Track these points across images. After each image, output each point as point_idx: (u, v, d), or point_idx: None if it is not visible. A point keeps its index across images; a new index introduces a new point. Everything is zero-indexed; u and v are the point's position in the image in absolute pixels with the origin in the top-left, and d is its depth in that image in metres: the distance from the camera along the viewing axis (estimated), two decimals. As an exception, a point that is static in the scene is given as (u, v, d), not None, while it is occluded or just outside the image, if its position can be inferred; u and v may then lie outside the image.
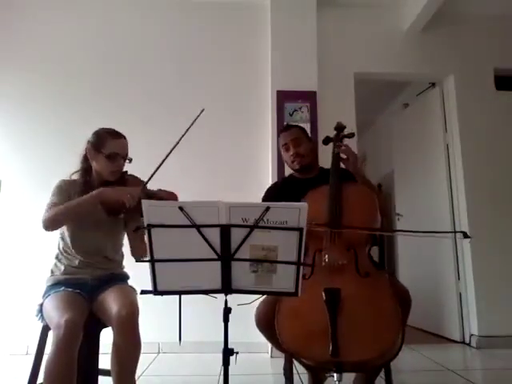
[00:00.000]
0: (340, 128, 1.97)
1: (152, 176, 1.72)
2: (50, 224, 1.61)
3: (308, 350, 1.40)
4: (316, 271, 1.57)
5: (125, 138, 1.79)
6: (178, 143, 1.72)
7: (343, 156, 1.86)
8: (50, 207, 1.66)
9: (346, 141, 1.94)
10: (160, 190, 1.79)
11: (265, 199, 2.07)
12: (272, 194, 2.07)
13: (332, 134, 1.98)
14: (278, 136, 2.12)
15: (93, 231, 1.73)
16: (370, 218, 1.69)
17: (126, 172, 1.84)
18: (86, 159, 1.79)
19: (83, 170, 1.79)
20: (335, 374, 1.33)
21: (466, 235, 1.46)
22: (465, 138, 3.30)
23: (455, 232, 1.48)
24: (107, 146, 1.72)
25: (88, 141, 1.78)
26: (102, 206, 1.70)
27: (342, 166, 1.88)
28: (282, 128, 2.15)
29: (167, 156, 1.72)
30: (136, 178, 1.85)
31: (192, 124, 1.72)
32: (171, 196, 1.78)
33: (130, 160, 1.79)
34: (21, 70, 3.23)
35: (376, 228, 1.67)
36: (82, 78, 3.24)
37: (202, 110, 1.72)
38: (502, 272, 3.10)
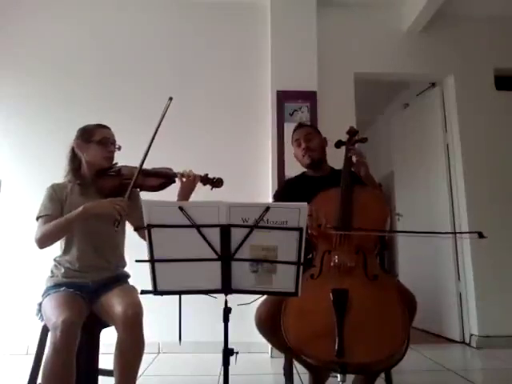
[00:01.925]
0: (353, 132, 2.01)
1: (143, 163, 1.73)
2: (42, 244, 1.65)
3: (313, 350, 1.40)
4: (324, 272, 1.58)
5: (109, 128, 1.86)
6: (158, 128, 1.77)
7: (354, 160, 1.89)
8: (41, 224, 1.67)
9: (358, 145, 1.98)
10: (154, 168, 1.82)
11: (277, 195, 2.16)
12: (285, 191, 2.14)
13: (334, 134, 2.03)
14: (292, 134, 2.21)
15: (93, 223, 1.71)
16: (380, 222, 1.70)
17: (117, 164, 1.86)
18: (73, 158, 1.83)
19: (73, 170, 1.82)
20: (339, 375, 1.33)
21: (481, 235, 1.44)
22: (465, 137, 3.30)
23: (471, 232, 1.49)
24: (96, 133, 1.80)
25: (74, 139, 1.83)
26: (101, 193, 1.73)
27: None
28: (296, 126, 2.26)
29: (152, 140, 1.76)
30: (127, 166, 1.85)
31: (164, 115, 1.79)
32: (167, 171, 1.83)
33: (119, 148, 1.85)
34: (21, 71, 3.23)
35: (391, 230, 1.68)
36: (81, 78, 3.23)
37: (170, 99, 1.79)
38: (502, 272, 3.09)
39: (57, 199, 1.74)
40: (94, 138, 1.78)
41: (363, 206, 1.71)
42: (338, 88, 3.26)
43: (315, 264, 1.61)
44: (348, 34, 3.38)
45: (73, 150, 1.83)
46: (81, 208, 1.61)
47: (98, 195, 1.75)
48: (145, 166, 1.77)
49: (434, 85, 3.71)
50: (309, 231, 1.63)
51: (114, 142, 1.84)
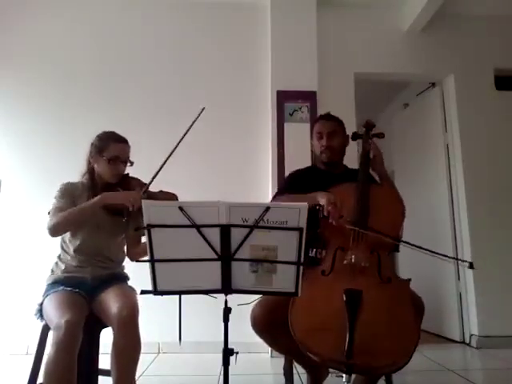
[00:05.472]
0: (370, 125, 1.92)
1: (153, 179, 1.74)
2: (55, 231, 1.65)
3: (320, 347, 1.35)
4: (336, 269, 1.52)
5: (127, 142, 1.83)
6: (178, 144, 1.74)
7: (371, 155, 1.82)
8: (54, 213, 1.68)
9: (375, 140, 1.90)
10: (161, 191, 1.80)
11: (286, 185, 1.96)
12: (292, 184, 1.93)
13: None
14: (315, 122, 2.03)
15: (94, 232, 1.74)
16: (396, 223, 1.66)
17: (128, 174, 1.87)
18: (89, 161, 1.83)
19: (89, 172, 1.82)
20: (344, 376, 1.29)
21: (471, 266, 1.47)
22: (465, 137, 3.30)
23: (462, 260, 1.50)
24: (109, 149, 1.76)
25: (91, 143, 1.82)
26: (106, 208, 1.71)
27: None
28: (322, 115, 2.03)
29: (167, 158, 1.75)
30: (138, 180, 1.87)
31: (193, 123, 1.73)
32: (172, 198, 1.80)
33: (132, 163, 1.83)
34: (21, 70, 3.23)
35: (393, 237, 1.62)
36: (82, 78, 3.24)
37: (203, 109, 1.73)
38: (502, 272, 3.09)
39: (69, 194, 1.75)
40: (106, 153, 1.76)
41: (380, 204, 1.65)
42: (337, 88, 3.26)
43: (325, 260, 1.55)
44: (348, 34, 3.38)
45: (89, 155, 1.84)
46: (98, 196, 1.65)
47: (103, 211, 1.72)
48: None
49: (434, 85, 3.71)
50: (330, 220, 1.54)
51: (125, 160, 1.80)
